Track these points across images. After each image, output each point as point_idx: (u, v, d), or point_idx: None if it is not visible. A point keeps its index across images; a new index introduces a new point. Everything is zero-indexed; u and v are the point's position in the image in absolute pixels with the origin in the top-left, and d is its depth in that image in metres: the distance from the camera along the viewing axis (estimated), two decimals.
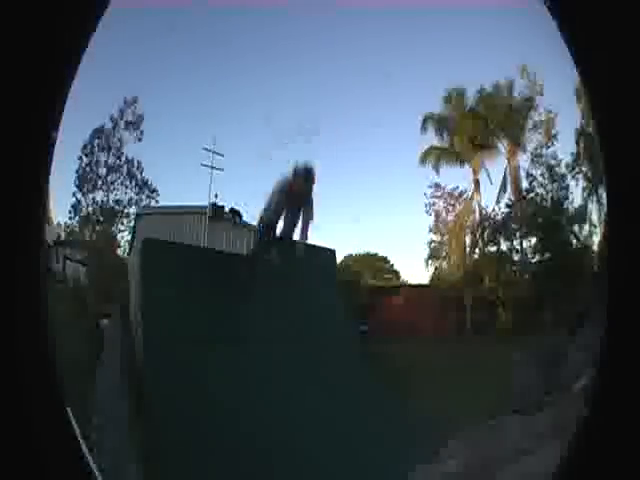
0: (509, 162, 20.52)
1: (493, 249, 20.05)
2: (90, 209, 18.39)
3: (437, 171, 20.52)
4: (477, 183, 20.87)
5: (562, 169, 18.96)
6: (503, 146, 20.65)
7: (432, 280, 20.61)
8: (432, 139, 21.13)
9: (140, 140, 18.47)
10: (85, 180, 18.23)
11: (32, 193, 1.14)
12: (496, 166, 20.73)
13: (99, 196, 18.44)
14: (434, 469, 8.53)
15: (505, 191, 20.21)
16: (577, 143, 18.19)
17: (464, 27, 18.63)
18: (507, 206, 19.89)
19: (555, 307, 16.07)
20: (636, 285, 1.09)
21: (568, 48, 1.16)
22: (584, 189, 18.56)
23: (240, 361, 11.43)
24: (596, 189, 18.03)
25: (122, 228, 18.99)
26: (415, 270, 41.50)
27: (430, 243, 20.59)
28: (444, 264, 20.76)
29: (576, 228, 18.65)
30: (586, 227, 18.52)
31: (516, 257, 19.70)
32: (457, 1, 17.61)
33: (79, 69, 1.19)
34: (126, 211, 18.63)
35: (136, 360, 11.59)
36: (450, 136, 21.00)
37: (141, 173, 18.62)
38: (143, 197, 18.63)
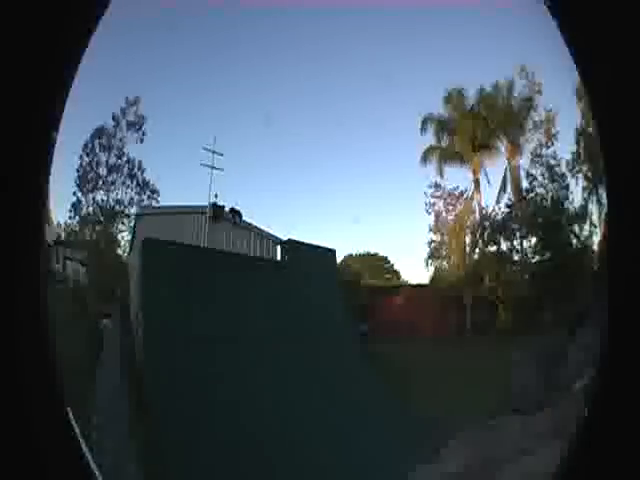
0: (509, 162, 20.53)
1: (493, 249, 20.04)
2: (90, 209, 18.38)
3: (441, 173, 20.53)
4: (477, 183, 20.89)
5: (562, 169, 18.97)
6: (503, 146, 20.66)
7: (432, 280, 20.62)
8: (432, 140, 21.17)
9: (142, 141, 18.48)
10: (86, 180, 18.22)
11: (32, 193, 1.14)
12: (496, 166, 20.75)
13: (99, 196, 18.46)
14: (434, 469, 8.54)
15: (505, 191, 20.24)
16: (577, 143, 18.20)
17: (464, 28, 18.67)
18: (507, 206, 19.90)
19: (555, 307, 16.06)
20: (636, 285, 1.09)
21: (568, 48, 1.16)
22: (584, 189, 18.57)
23: (240, 361, 11.45)
24: (596, 189, 18.02)
25: (122, 228, 18.99)
26: (415, 270, 41.63)
27: (430, 243, 20.62)
28: (444, 264, 20.76)
29: (576, 228, 18.63)
30: (586, 227, 18.52)
31: (516, 257, 19.69)
32: (457, 2, 17.62)
33: (79, 69, 1.19)
34: (126, 211, 18.61)
35: (136, 360, 11.61)
36: (450, 136, 21.00)
37: (142, 173, 18.61)
38: (144, 197, 18.62)
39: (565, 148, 18.80)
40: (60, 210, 17.66)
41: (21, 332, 1.14)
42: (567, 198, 18.94)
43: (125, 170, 18.55)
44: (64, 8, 1.12)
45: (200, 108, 22.33)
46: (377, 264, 26.11)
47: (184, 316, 11.43)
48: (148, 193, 18.67)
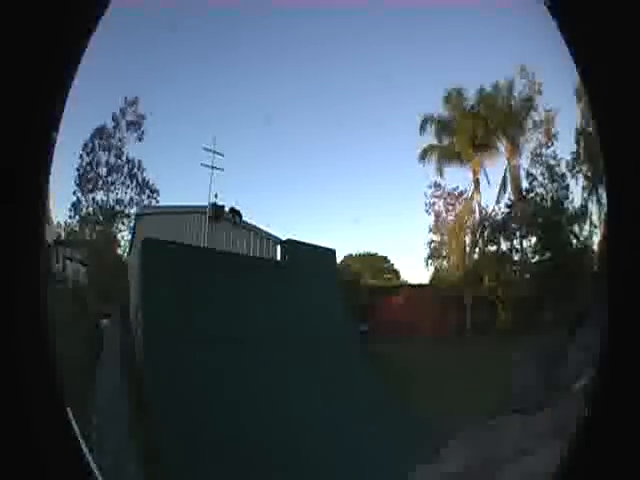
0: (509, 162, 20.52)
1: (493, 249, 20.05)
2: (90, 209, 18.38)
3: (441, 173, 20.51)
4: (477, 183, 20.87)
5: (562, 169, 18.97)
6: (503, 146, 20.64)
7: (432, 280, 20.62)
8: (431, 140, 21.16)
9: (141, 140, 18.48)
10: (85, 180, 18.22)
11: (32, 193, 1.14)
12: (496, 166, 20.73)
13: (99, 196, 18.46)
14: (434, 469, 8.53)
15: (505, 191, 20.22)
16: (577, 143, 18.19)
17: (464, 28, 18.65)
18: (507, 206, 19.90)
19: (555, 307, 16.07)
20: (636, 285, 1.09)
21: (568, 48, 1.16)
22: (584, 189, 18.57)
23: (240, 361, 11.45)
24: (596, 189, 18.02)
25: (122, 228, 19.00)
26: (415, 270, 41.54)
27: (430, 243, 20.62)
28: (444, 264, 20.77)
29: (576, 228, 18.64)
30: (586, 227, 18.52)
31: (516, 257, 19.69)
32: (457, 2, 17.60)
33: (79, 69, 1.19)
34: (126, 211, 18.62)
35: (136, 360, 11.61)
36: (450, 136, 20.99)
37: (142, 173, 18.62)
38: (144, 197, 18.63)
39: (565, 148, 18.81)
40: (60, 210, 17.68)
41: (21, 332, 1.14)
42: (567, 198, 18.96)
43: (125, 170, 18.56)
44: (64, 8, 1.12)
45: (200, 108, 22.33)
46: (377, 264, 26.10)
47: (184, 316, 11.43)
48: (148, 193, 18.69)
